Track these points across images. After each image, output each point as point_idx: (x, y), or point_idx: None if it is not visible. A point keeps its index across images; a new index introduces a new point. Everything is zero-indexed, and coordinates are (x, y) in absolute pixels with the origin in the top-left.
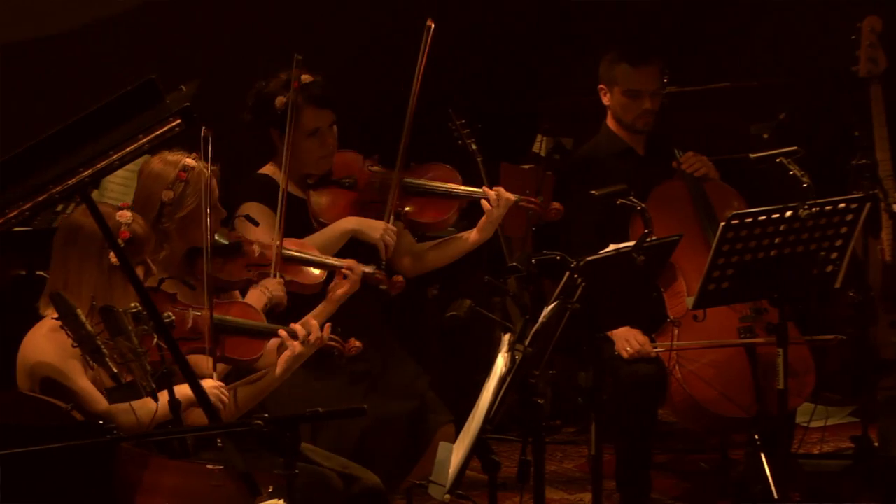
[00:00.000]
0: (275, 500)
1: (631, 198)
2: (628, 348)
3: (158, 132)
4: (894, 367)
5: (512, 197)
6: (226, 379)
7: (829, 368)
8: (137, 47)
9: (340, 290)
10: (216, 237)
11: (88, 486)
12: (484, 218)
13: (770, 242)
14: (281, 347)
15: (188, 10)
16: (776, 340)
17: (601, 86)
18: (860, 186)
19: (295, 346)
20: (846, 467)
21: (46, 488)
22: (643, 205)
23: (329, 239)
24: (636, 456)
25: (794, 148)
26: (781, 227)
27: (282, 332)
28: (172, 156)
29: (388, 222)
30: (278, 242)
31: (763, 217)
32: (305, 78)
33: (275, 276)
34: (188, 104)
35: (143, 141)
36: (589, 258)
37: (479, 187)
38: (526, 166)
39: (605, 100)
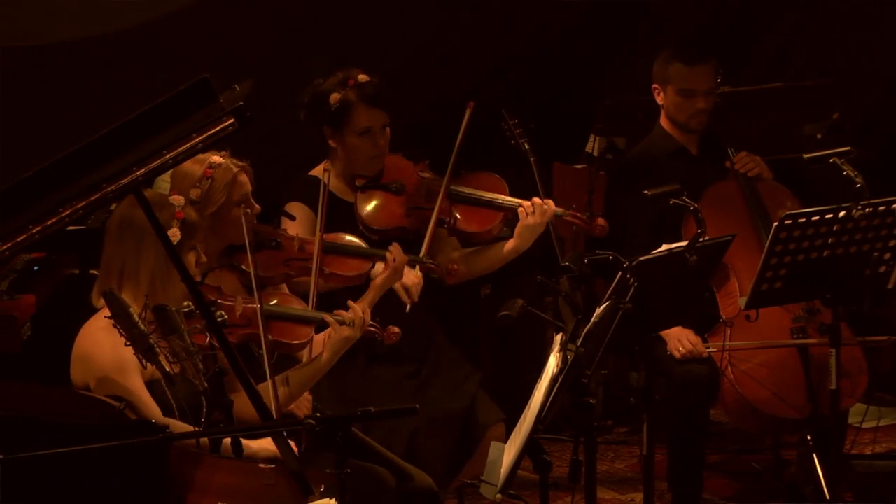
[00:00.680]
0: (326, 500)
1: (684, 198)
2: (681, 348)
3: (212, 131)
4: None
5: (552, 207)
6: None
7: (882, 369)
8: (191, 46)
9: (382, 276)
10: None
11: (141, 486)
12: (519, 224)
13: (823, 243)
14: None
15: (243, 9)
16: (829, 341)
17: (655, 85)
18: None
19: (342, 331)
20: None
21: (99, 487)
22: (696, 205)
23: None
24: (688, 456)
25: (848, 148)
26: (834, 228)
27: (327, 318)
28: (204, 155)
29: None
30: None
31: (816, 217)
32: (361, 77)
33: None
34: (241, 103)
35: (197, 140)
36: (641, 258)
37: (533, 189)
38: (578, 166)
39: (659, 99)
